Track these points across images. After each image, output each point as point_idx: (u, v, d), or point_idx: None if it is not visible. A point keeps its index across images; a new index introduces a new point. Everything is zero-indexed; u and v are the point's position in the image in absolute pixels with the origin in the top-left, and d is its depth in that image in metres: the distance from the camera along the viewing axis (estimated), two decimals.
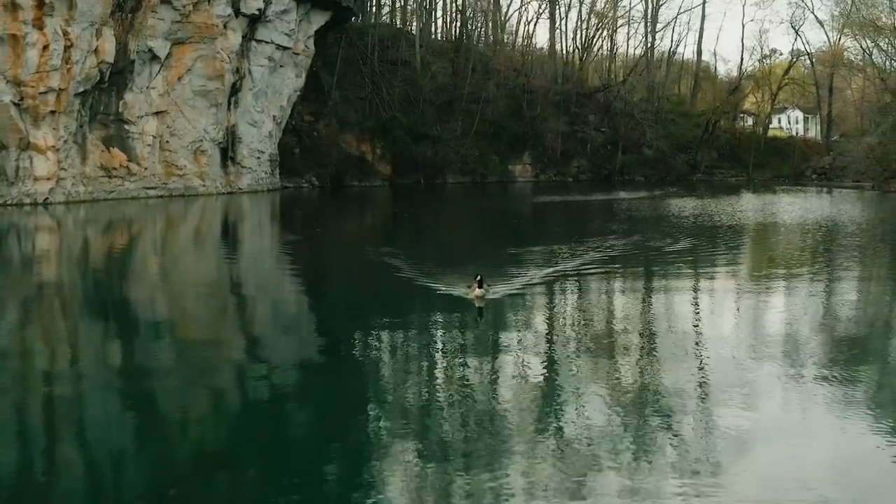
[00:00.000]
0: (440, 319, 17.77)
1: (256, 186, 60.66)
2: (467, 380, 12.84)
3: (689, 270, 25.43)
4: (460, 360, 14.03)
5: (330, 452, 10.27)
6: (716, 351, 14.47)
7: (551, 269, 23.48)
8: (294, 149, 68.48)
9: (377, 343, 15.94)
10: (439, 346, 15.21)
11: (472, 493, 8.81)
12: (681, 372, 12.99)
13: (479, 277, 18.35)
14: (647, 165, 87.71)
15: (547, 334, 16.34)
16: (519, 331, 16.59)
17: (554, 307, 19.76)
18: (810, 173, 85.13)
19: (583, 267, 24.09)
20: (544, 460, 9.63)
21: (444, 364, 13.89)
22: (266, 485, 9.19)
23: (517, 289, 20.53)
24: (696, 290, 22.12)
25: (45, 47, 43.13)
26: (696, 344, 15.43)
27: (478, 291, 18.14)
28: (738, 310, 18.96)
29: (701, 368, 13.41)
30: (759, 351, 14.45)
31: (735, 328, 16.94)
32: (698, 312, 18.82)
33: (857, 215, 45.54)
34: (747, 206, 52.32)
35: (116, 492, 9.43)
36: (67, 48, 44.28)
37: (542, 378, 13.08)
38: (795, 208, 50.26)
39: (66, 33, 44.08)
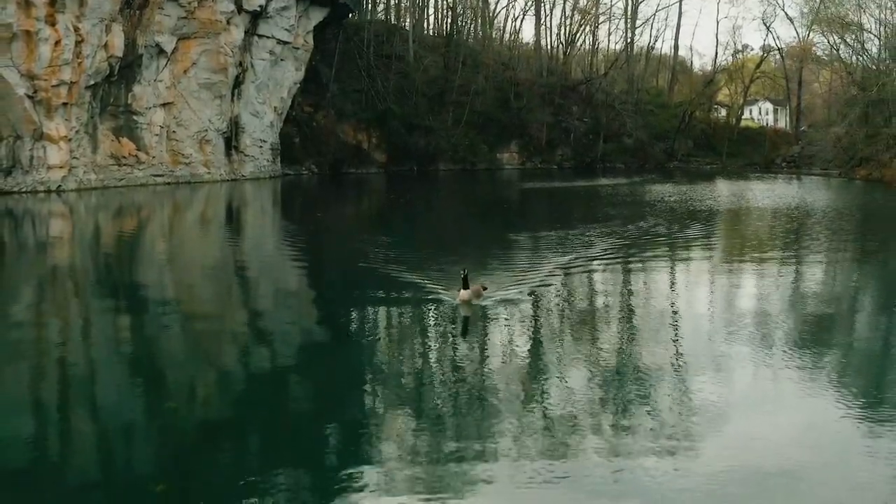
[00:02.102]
0: (416, 327, 15.33)
1: (259, 174, 60.36)
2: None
3: (718, 260, 24.61)
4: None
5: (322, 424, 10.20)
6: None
7: (564, 260, 22.12)
8: (294, 138, 68.19)
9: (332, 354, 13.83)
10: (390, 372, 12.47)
11: (462, 458, 8.79)
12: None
13: (464, 274, 15.04)
14: (627, 154, 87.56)
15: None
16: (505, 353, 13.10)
17: (559, 316, 16.10)
18: (780, 161, 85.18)
19: (600, 256, 23.07)
20: (534, 432, 9.60)
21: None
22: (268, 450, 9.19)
23: (537, 283, 18.41)
24: (726, 279, 21.16)
25: (58, 42, 42.68)
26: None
27: (463, 294, 14.90)
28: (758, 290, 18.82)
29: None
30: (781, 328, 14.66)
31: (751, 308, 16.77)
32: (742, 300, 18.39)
33: (835, 201, 45.79)
34: (729, 192, 52.28)
35: (126, 459, 9.37)
36: (78, 43, 43.85)
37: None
38: (774, 194, 50.37)
39: (76, 29, 43.66)
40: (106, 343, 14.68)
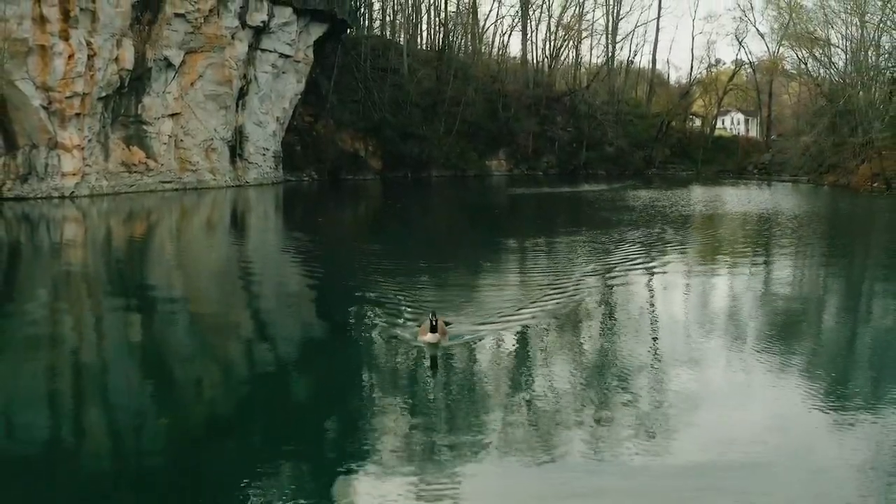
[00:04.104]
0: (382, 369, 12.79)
1: (262, 180, 60.11)
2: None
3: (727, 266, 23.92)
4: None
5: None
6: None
7: (580, 271, 20.66)
8: (295, 146, 67.96)
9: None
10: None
11: (454, 454, 8.70)
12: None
13: (432, 317, 12.93)
14: (609, 161, 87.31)
15: None
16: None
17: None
18: (752, 168, 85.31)
19: (618, 265, 21.96)
20: (519, 420, 9.70)
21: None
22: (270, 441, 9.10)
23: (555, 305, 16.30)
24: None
25: (71, 56, 42.39)
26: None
27: (430, 336, 12.79)
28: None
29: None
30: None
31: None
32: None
33: (813, 206, 46.05)
34: (711, 198, 52.13)
35: (136, 451, 9.32)
36: (91, 57, 43.58)
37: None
38: (755, 200, 50.33)
39: (89, 44, 43.40)
40: (117, 338, 14.70)
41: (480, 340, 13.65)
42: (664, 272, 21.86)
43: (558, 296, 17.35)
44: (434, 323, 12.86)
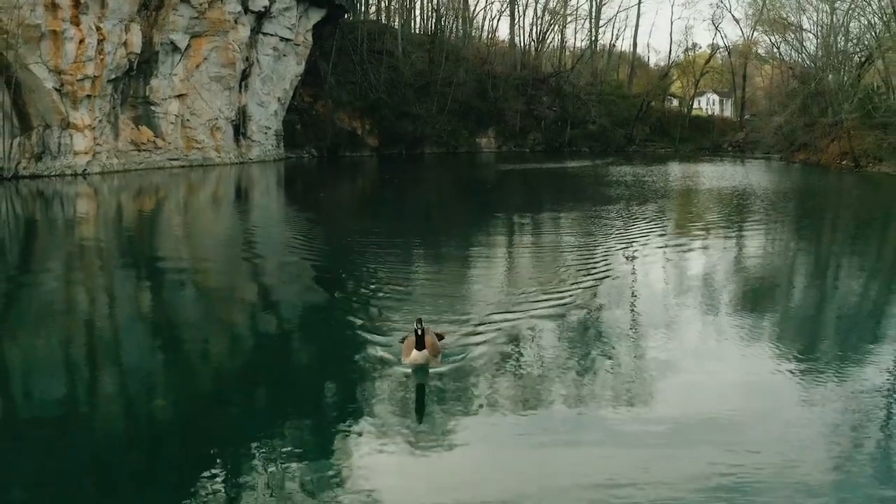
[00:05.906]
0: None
1: (264, 157, 59.84)
2: None
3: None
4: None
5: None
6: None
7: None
8: (296, 125, 67.56)
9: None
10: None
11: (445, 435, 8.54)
12: None
13: (419, 326, 9.62)
14: (592, 139, 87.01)
15: None
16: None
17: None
18: (727, 146, 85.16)
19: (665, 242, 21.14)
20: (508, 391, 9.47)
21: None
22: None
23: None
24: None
25: (82, 41, 41.94)
26: None
27: (416, 355, 9.58)
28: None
29: None
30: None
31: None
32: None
33: (794, 182, 46.34)
34: (693, 174, 51.99)
35: (147, 414, 9.32)
36: (100, 41, 43.15)
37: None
38: (737, 176, 50.06)
39: (99, 28, 42.97)
40: (127, 305, 14.83)
41: (485, 355, 10.56)
42: (673, 248, 20.88)
43: (571, 285, 15.37)
44: (420, 333, 9.55)
